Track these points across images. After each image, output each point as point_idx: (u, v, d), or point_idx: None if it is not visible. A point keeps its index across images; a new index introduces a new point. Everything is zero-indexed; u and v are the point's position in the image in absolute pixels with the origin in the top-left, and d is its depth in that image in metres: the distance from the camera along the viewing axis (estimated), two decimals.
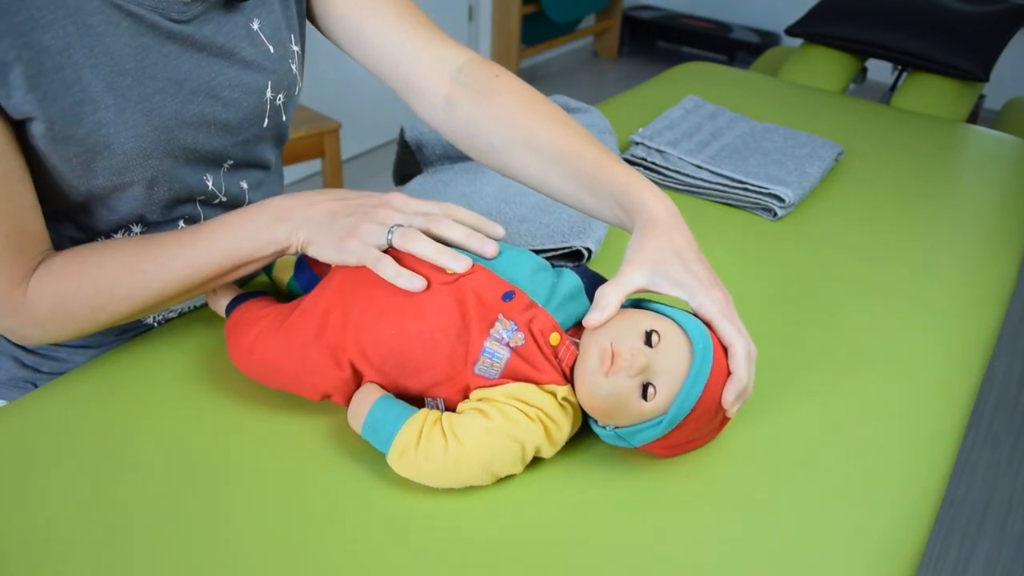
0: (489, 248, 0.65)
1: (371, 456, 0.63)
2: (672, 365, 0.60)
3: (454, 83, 0.79)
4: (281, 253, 0.68)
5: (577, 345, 0.64)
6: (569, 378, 0.63)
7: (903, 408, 0.75)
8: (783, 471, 0.66)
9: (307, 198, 0.68)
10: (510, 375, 0.62)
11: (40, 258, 0.67)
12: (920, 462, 0.69)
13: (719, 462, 0.66)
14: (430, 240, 0.64)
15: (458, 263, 0.63)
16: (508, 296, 0.63)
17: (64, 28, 0.61)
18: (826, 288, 0.93)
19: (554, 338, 0.63)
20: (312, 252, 0.67)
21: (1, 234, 0.63)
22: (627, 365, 0.59)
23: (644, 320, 0.62)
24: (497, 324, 0.62)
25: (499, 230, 0.67)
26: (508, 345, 0.62)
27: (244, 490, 0.61)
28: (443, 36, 0.81)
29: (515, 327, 0.62)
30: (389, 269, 0.63)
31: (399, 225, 0.65)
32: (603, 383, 0.60)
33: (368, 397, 0.63)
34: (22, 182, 0.65)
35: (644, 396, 0.59)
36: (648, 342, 0.60)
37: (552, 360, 0.62)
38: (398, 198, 0.67)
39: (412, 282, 0.62)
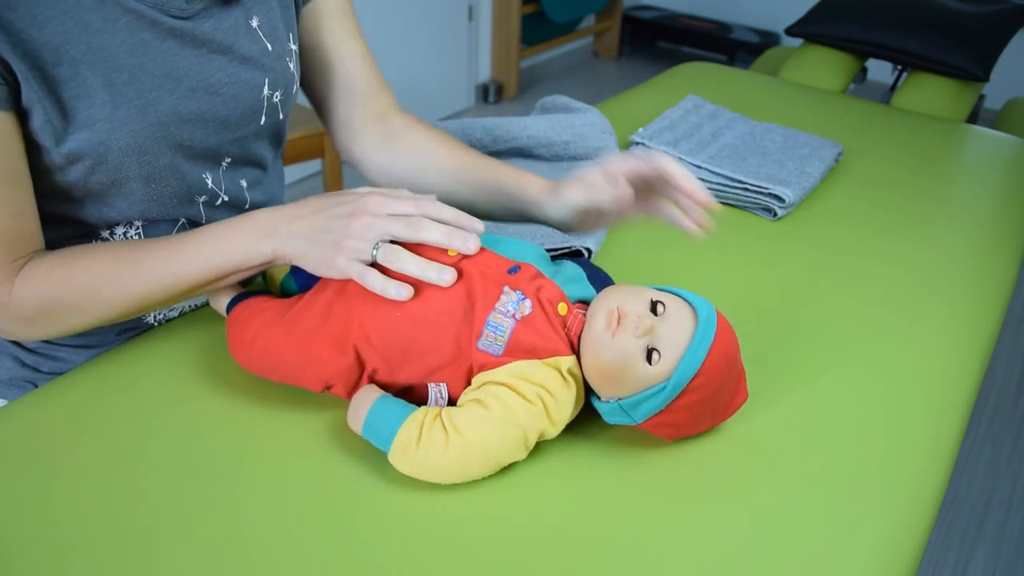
0: (471, 244, 0.65)
1: (373, 455, 0.64)
2: (676, 332, 0.62)
3: (378, 121, 0.88)
4: (268, 265, 0.69)
5: (584, 315, 0.65)
6: (576, 349, 0.64)
7: (903, 408, 0.75)
8: (783, 470, 0.66)
9: (290, 212, 0.68)
10: (514, 349, 0.62)
11: (27, 259, 0.68)
12: (920, 462, 0.69)
13: (719, 461, 0.67)
14: (413, 257, 0.63)
15: (443, 277, 0.63)
16: (514, 270, 0.64)
17: (62, 24, 0.61)
18: (826, 288, 0.93)
19: (562, 308, 0.64)
20: (302, 266, 0.67)
21: None
22: (633, 326, 0.61)
23: (649, 293, 0.64)
24: (503, 297, 0.63)
25: (478, 225, 0.67)
26: (513, 317, 0.62)
27: (245, 489, 0.61)
28: (383, 81, 0.90)
29: (522, 296, 0.63)
30: (376, 282, 0.63)
31: (383, 241, 0.65)
32: (610, 343, 0.61)
33: (367, 398, 0.63)
34: (22, 181, 0.65)
35: (648, 361, 0.61)
36: (653, 311, 0.63)
37: (559, 329, 0.63)
38: (372, 201, 0.65)
39: (400, 292, 0.63)
